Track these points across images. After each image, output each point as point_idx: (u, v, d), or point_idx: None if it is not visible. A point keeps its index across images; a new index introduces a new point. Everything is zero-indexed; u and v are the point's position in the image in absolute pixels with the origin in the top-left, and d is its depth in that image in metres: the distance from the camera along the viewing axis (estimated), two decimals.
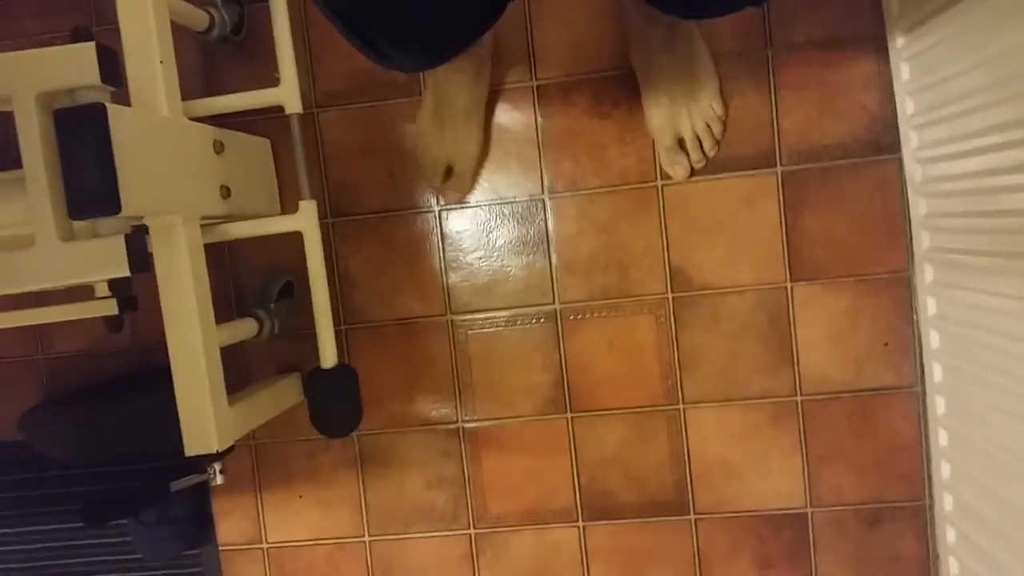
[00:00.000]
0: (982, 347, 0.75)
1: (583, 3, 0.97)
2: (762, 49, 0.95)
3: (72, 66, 0.66)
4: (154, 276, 0.75)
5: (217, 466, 0.79)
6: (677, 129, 0.94)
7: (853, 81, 0.94)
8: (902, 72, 0.86)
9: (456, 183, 0.99)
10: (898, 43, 0.85)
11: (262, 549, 1.08)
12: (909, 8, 0.83)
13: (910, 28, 0.83)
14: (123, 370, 1.04)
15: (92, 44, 0.65)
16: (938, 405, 0.84)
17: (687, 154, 0.95)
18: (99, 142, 0.64)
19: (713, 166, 0.96)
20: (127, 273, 0.66)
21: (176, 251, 0.75)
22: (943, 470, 0.88)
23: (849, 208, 0.95)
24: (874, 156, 0.94)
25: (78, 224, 0.73)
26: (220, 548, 1.08)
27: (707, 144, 0.94)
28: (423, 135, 0.98)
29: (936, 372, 0.85)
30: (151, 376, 1.03)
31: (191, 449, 0.76)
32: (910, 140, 0.85)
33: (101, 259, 0.67)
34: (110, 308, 0.84)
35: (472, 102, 0.93)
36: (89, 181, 0.64)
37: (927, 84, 0.81)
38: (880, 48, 0.92)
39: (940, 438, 0.84)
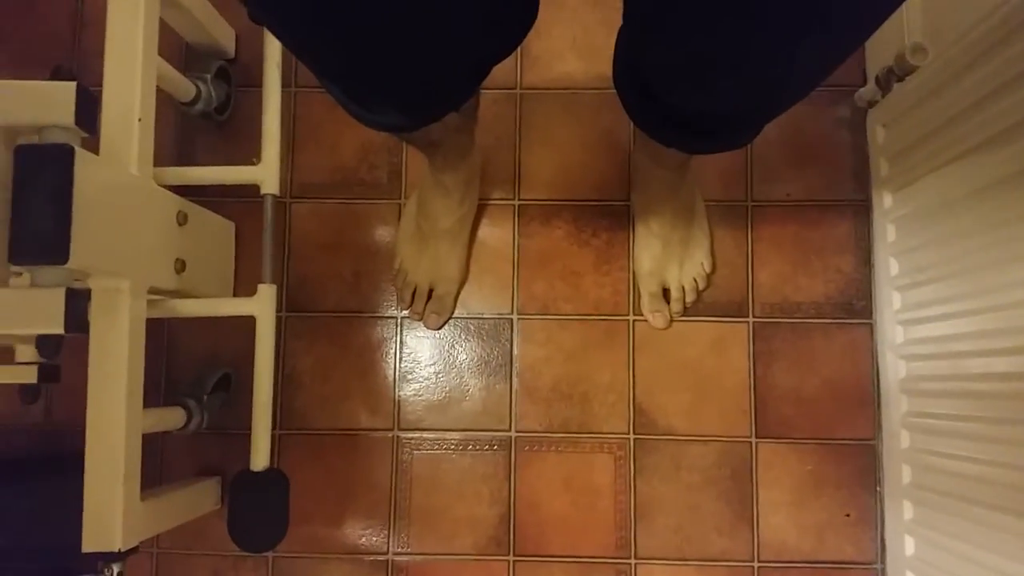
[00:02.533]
0: (958, 518, 0.72)
1: (572, 132, 0.97)
2: (743, 201, 0.96)
3: (47, 103, 0.61)
4: (84, 346, 0.68)
5: (116, 567, 0.68)
6: (664, 279, 0.93)
7: (829, 242, 0.95)
8: (888, 233, 0.87)
9: (436, 306, 0.94)
10: (885, 204, 0.87)
11: None
12: (898, 171, 0.85)
13: (898, 189, 0.85)
14: (26, 450, 0.93)
15: (73, 84, 0.61)
16: None
17: (669, 304, 0.93)
18: (59, 184, 0.59)
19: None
20: (61, 330, 0.59)
21: (117, 320, 0.68)
22: None
23: (819, 368, 0.93)
24: (846, 319, 0.94)
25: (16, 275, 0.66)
26: None
27: (689, 298, 0.93)
28: (404, 256, 0.94)
29: (908, 545, 0.81)
30: (52, 462, 0.92)
31: (90, 544, 0.66)
32: (892, 301, 0.85)
33: (34, 311, 0.60)
34: (29, 376, 0.75)
35: (458, 223, 0.91)
36: (40, 224, 0.58)
37: (914, 246, 0.82)
38: (859, 213, 0.94)
39: None
